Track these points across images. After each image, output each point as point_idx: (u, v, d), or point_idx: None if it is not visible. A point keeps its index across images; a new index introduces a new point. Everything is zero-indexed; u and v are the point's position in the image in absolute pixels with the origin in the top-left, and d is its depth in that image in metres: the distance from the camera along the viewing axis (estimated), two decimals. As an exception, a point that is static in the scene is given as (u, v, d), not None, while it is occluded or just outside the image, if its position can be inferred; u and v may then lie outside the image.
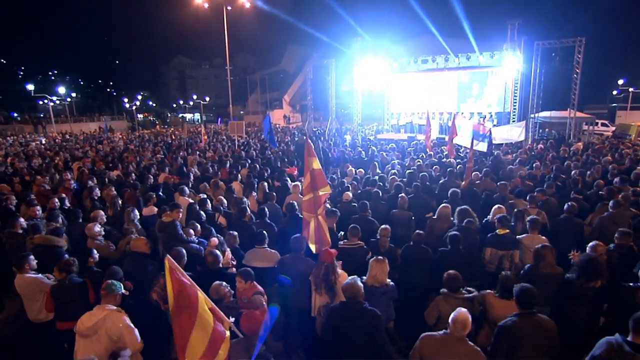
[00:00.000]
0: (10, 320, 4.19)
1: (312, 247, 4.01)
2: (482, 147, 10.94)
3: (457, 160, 10.09)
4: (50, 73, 68.22)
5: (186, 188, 6.66)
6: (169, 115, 65.53)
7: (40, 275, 3.89)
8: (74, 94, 58.08)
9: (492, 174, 8.02)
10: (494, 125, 17.38)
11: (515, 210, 5.53)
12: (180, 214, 5.28)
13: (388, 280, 3.72)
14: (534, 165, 8.92)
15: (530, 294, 2.88)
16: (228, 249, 4.56)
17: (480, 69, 20.53)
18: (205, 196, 6.34)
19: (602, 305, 3.65)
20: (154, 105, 70.61)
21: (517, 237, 4.67)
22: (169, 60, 72.49)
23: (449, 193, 6.13)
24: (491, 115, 20.47)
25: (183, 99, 67.33)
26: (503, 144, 13.46)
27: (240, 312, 3.02)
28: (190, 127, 34.21)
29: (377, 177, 7.63)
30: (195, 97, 60.16)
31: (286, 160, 11.06)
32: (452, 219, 5.29)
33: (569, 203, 5.29)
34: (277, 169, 9.49)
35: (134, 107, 53.81)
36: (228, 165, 9.91)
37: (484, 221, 5.52)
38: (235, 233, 4.77)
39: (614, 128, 25.69)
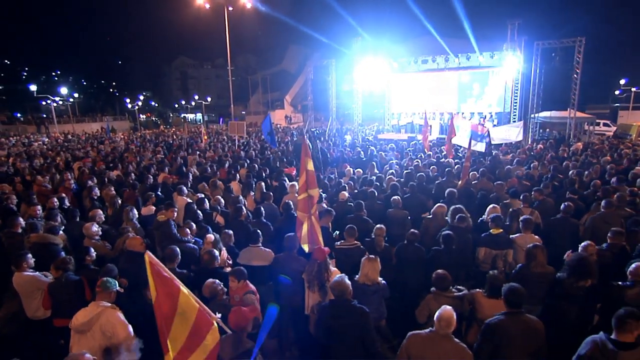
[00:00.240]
0: (9, 318, 4.25)
1: (305, 247, 4.06)
2: (480, 147, 10.94)
3: (456, 161, 10.10)
4: (53, 74, 68.73)
5: (184, 188, 6.71)
6: (171, 115, 65.68)
7: (37, 273, 3.95)
8: (76, 95, 58.44)
9: (490, 174, 8.05)
10: (494, 126, 17.37)
11: (510, 210, 5.57)
12: (175, 213, 5.33)
13: (380, 278, 3.76)
14: (531, 165, 8.93)
15: (519, 294, 2.89)
16: (224, 248, 4.61)
17: (481, 69, 20.47)
18: (203, 196, 6.39)
19: (593, 305, 3.67)
20: (156, 105, 70.90)
21: (511, 236, 4.70)
22: (171, 61, 72.84)
23: (446, 193, 6.17)
24: (491, 115, 20.41)
25: (185, 99, 67.55)
26: (503, 144, 13.45)
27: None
28: (192, 127, 34.30)
29: (374, 177, 7.67)
30: (197, 97, 60.29)
31: (285, 160, 11.11)
32: (446, 218, 5.33)
33: (566, 203, 5.30)
34: (275, 169, 9.54)
35: (136, 108, 54.05)
36: (227, 165, 9.97)
37: (478, 221, 5.57)
38: (231, 232, 4.81)
39: (615, 128, 25.63)
